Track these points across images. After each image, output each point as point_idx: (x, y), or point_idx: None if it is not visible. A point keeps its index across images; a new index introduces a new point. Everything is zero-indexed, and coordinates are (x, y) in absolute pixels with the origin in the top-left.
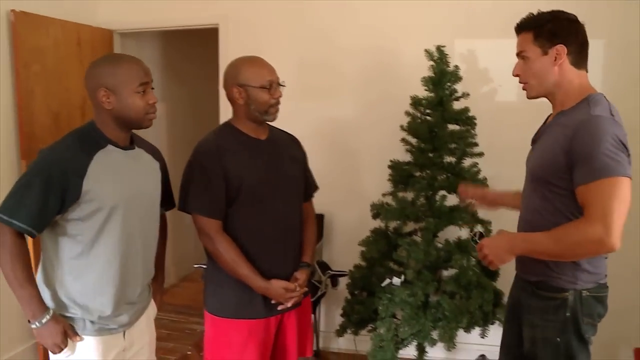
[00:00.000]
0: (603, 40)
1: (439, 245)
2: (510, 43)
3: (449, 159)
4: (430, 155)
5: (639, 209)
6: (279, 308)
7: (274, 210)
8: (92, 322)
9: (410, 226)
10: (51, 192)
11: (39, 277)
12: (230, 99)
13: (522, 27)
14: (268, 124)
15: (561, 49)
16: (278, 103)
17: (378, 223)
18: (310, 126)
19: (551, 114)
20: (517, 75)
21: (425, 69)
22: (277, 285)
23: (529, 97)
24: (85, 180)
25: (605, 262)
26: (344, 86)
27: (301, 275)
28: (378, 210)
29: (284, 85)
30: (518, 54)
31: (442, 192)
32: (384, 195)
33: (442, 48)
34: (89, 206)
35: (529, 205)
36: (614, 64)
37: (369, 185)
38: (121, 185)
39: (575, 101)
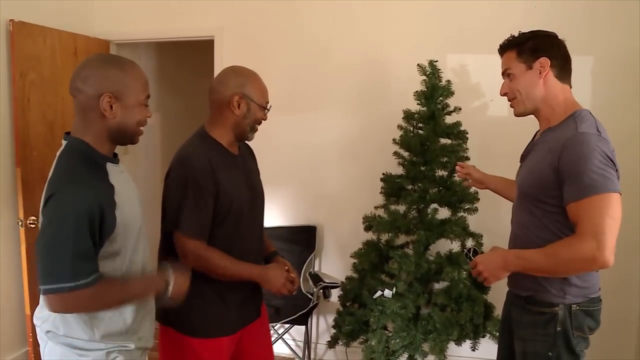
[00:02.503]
0: (591, 57)
1: (430, 257)
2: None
3: (441, 172)
4: (422, 168)
5: (635, 222)
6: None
7: (251, 225)
8: (138, 348)
9: (401, 239)
10: (95, 232)
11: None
12: (224, 104)
13: (505, 47)
14: None
15: (544, 61)
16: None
17: (370, 235)
18: (303, 138)
19: (538, 131)
20: (505, 94)
21: (417, 83)
22: (275, 268)
23: (517, 114)
24: (117, 211)
25: (597, 275)
26: (337, 99)
27: (284, 260)
28: (370, 223)
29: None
30: (503, 73)
31: (434, 205)
32: (376, 207)
33: (434, 63)
34: (122, 238)
35: (518, 220)
36: (602, 79)
37: (361, 197)
38: (135, 204)
39: (561, 117)
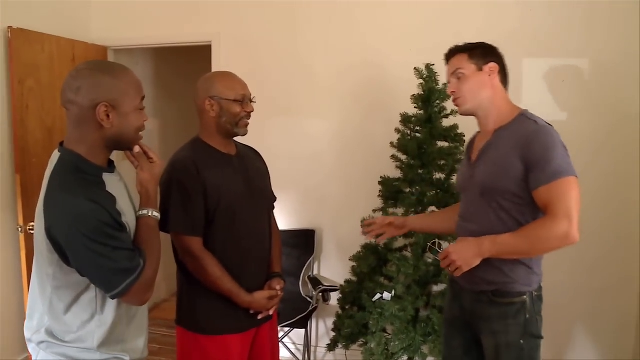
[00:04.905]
0: (586, 60)
1: (429, 260)
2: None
3: (438, 175)
4: (420, 171)
5: (635, 222)
6: (260, 317)
7: (249, 224)
8: None
9: (400, 242)
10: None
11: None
12: (201, 111)
13: (455, 51)
14: (233, 140)
15: (494, 66)
16: (249, 117)
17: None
18: (300, 142)
19: (479, 133)
20: (452, 93)
21: (414, 86)
22: (260, 297)
23: (462, 113)
24: (123, 218)
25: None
26: (335, 103)
27: (279, 283)
28: None
29: (254, 102)
30: (453, 73)
31: (432, 208)
32: (374, 211)
33: (431, 66)
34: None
35: (479, 219)
36: (598, 83)
37: (360, 201)
38: (132, 212)
39: (509, 118)
